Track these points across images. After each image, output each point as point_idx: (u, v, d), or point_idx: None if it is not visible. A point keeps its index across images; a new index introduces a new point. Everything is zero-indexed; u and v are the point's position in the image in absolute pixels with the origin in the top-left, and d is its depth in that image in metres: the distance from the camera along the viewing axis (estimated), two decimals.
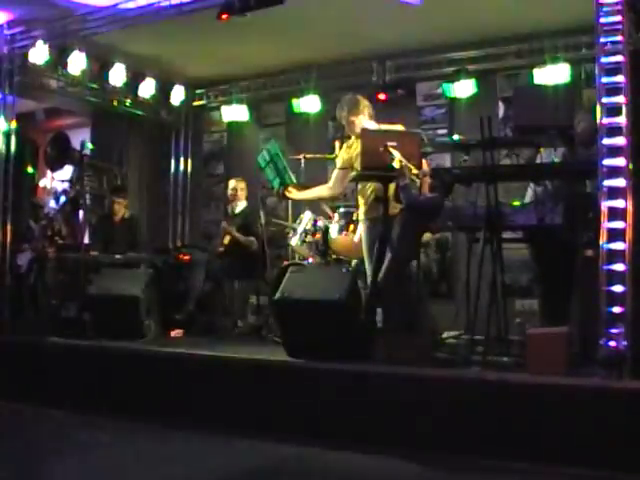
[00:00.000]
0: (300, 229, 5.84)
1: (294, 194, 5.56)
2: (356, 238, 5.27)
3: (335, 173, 5.24)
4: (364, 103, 5.08)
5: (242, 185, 6.94)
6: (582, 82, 6.47)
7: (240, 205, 6.89)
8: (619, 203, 3.64)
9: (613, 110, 3.71)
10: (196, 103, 8.78)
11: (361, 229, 5.02)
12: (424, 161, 4.71)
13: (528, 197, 4.94)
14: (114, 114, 8.29)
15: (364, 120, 4.99)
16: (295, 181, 5.61)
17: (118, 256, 6.52)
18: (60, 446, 3.93)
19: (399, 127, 4.92)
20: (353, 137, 5.06)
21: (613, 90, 3.72)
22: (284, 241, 6.34)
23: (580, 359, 3.96)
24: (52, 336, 5.30)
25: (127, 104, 8.26)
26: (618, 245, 3.61)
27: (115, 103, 8.15)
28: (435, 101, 7.37)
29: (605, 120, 3.72)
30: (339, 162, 5.22)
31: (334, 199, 5.79)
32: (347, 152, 5.12)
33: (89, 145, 5.81)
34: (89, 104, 8.07)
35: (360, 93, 7.30)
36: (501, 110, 6.96)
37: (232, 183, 6.97)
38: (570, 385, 3.48)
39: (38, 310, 6.61)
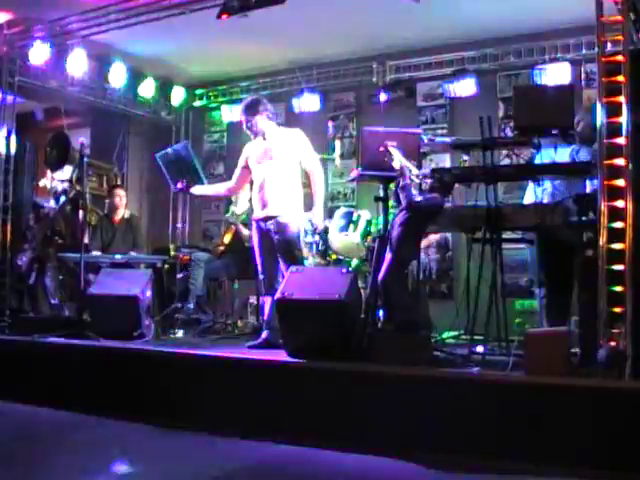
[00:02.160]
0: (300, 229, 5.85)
1: (196, 189, 5.71)
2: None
3: (236, 172, 5.50)
4: (264, 105, 5.25)
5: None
6: (582, 82, 6.48)
7: (242, 206, 6.86)
8: (619, 203, 3.64)
9: (613, 110, 3.70)
10: (196, 103, 8.80)
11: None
12: None
13: (528, 197, 4.95)
14: (114, 114, 8.30)
15: (261, 120, 5.19)
16: (205, 182, 5.78)
17: (118, 256, 6.52)
18: (59, 446, 3.92)
19: (295, 132, 5.26)
20: (252, 137, 5.30)
21: (613, 90, 3.71)
22: None
23: (580, 359, 3.96)
24: (52, 336, 5.30)
25: (127, 104, 8.27)
26: (618, 245, 3.61)
27: (115, 103, 8.16)
28: (435, 101, 7.39)
29: (605, 120, 3.71)
30: (240, 161, 5.45)
31: (232, 195, 6.21)
32: (247, 151, 5.36)
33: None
34: (89, 104, 8.07)
35: (360, 93, 7.39)
36: (501, 110, 6.97)
37: None
38: (570, 385, 3.47)
39: (38, 310, 6.61)
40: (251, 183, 5.52)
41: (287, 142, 5.17)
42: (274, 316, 4.71)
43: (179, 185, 5.64)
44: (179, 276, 5.93)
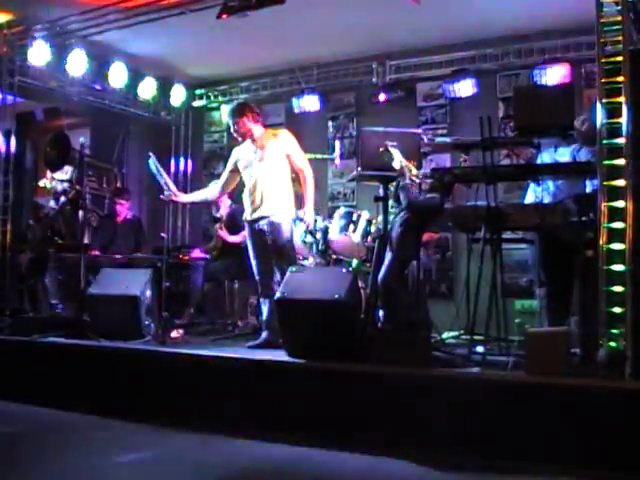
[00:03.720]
0: (300, 229, 5.85)
1: (182, 197, 5.91)
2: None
3: (224, 175, 5.55)
4: (249, 108, 5.32)
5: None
6: (582, 82, 6.48)
7: (224, 206, 6.87)
8: (619, 203, 3.64)
9: (613, 110, 3.70)
10: (196, 103, 8.81)
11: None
12: None
13: (529, 197, 4.95)
14: (114, 114, 8.29)
15: (248, 122, 5.23)
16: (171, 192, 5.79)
17: (118, 256, 6.52)
18: (59, 446, 3.92)
19: (283, 132, 5.34)
20: (241, 139, 5.34)
21: (613, 90, 3.71)
22: None
23: (580, 359, 3.95)
24: (52, 336, 5.30)
25: (127, 104, 8.28)
26: (618, 245, 3.61)
27: (115, 103, 8.16)
28: (435, 101, 7.39)
29: (605, 120, 3.71)
30: (228, 165, 5.49)
31: (220, 198, 6.25)
32: (236, 155, 5.39)
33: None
34: (89, 104, 8.07)
35: (360, 93, 7.37)
36: (501, 110, 6.97)
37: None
38: (570, 385, 3.47)
39: (38, 310, 6.61)
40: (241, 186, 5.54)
41: (276, 142, 5.21)
42: (274, 316, 4.71)
43: (161, 196, 5.71)
44: (166, 284, 5.84)
